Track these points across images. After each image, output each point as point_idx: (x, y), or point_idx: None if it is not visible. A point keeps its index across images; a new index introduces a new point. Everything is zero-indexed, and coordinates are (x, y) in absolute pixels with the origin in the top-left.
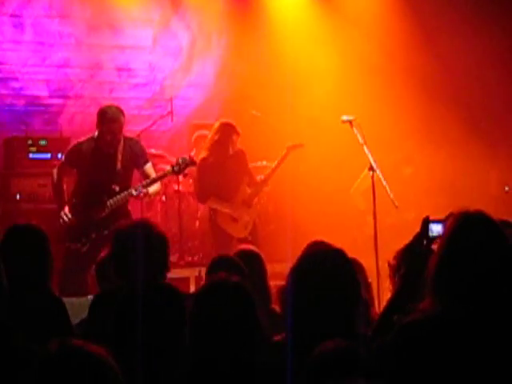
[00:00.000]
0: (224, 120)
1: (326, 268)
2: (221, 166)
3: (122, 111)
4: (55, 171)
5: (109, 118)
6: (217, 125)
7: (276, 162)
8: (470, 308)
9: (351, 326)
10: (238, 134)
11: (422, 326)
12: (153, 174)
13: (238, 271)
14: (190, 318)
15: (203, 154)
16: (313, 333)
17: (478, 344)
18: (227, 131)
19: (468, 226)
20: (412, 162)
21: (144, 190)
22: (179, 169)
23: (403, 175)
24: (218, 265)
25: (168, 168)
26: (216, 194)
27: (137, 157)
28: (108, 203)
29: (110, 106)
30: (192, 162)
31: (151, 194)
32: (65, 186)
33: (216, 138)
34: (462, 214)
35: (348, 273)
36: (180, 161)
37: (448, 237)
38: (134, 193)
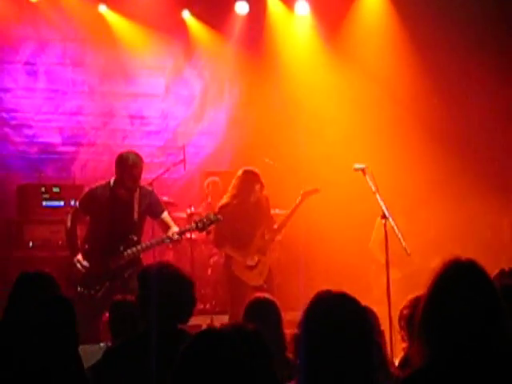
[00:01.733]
0: (248, 168)
1: (336, 313)
2: (240, 213)
3: (141, 157)
4: (69, 217)
5: (131, 164)
6: (240, 172)
7: (291, 209)
8: (455, 357)
9: (367, 372)
10: (261, 184)
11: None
12: (171, 223)
13: None
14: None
15: (224, 200)
16: (326, 379)
17: None
18: (250, 180)
19: (457, 274)
20: (419, 207)
21: (179, 237)
22: (203, 225)
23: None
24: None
25: (192, 224)
26: (232, 242)
27: (153, 206)
28: (125, 253)
29: (130, 152)
30: (217, 219)
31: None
32: (78, 233)
33: (238, 185)
34: (452, 262)
35: (359, 316)
36: (204, 218)
37: (436, 283)
38: (168, 241)
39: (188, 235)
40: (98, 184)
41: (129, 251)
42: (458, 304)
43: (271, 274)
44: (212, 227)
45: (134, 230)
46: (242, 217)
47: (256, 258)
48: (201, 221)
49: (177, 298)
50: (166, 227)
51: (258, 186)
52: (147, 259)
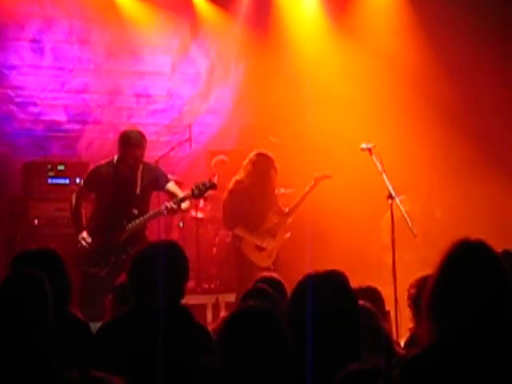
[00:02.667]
0: (262, 151)
1: (324, 292)
2: (252, 194)
3: (144, 136)
4: (74, 196)
5: (133, 143)
6: (253, 155)
7: (303, 194)
8: (462, 337)
9: (354, 350)
10: (275, 169)
11: (421, 362)
12: (178, 190)
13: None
14: (220, 343)
15: (239, 176)
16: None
17: (474, 374)
18: (265, 164)
19: (466, 255)
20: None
21: (174, 206)
22: (199, 192)
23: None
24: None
25: (188, 192)
26: (244, 223)
27: (157, 180)
28: (127, 227)
29: (132, 131)
30: (212, 185)
31: (183, 210)
32: (83, 211)
33: (251, 167)
34: (461, 242)
35: (348, 297)
36: (200, 184)
37: (445, 264)
38: (165, 211)
39: (194, 213)
40: (102, 162)
41: (130, 225)
42: (466, 284)
43: (279, 256)
44: (223, 207)
45: (135, 204)
46: (254, 198)
47: (267, 240)
48: (197, 187)
49: (175, 275)
50: (174, 196)
51: (272, 171)
52: (153, 237)
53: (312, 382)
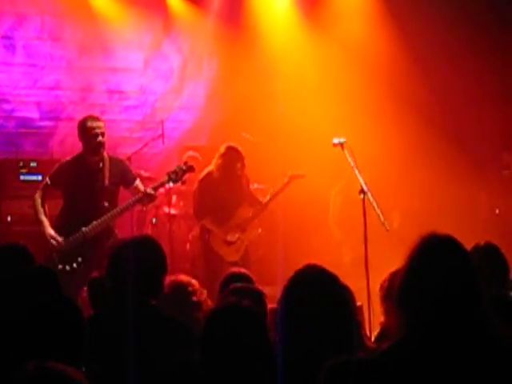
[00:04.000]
0: (231, 144)
1: (316, 289)
2: (223, 185)
3: (99, 117)
4: (38, 194)
5: (90, 124)
6: (223, 148)
7: (276, 190)
8: (431, 330)
9: (346, 346)
10: (243, 163)
11: (390, 356)
12: (143, 189)
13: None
14: (201, 341)
15: (206, 171)
16: (306, 354)
17: (442, 369)
18: (232, 157)
19: (434, 248)
20: (396, 185)
21: (152, 191)
22: (176, 176)
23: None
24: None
25: (165, 177)
26: (213, 215)
27: (124, 174)
28: (99, 220)
29: (87, 116)
30: (189, 168)
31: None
32: (47, 209)
33: (220, 161)
34: (429, 236)
35: (339, 292)
36: (177, 168)
37: (413, 257)
38: (142, 198)
39: (166, 210)
40: (67, 158)
41: (102, 218)
42: (433, 277)
43: (248, 251)
44: (193, 197)
45: (105, 196)
46: (224, 191)
47: (236, 235)
48: (173, 172)
49: (149, 273)
50: (137, 192)
51: (239, 165)
52: (125, 234)
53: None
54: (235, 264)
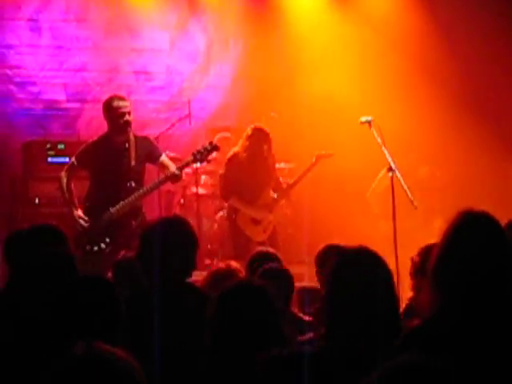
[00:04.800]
0: (258, 126)
1: (363, 269)
2: (250, 166)
3: (125, 97)
4: (64, 174)
5: (116, 103)
6: (249, 130)
7: (304, 170)
8: (466, 307)
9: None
10: (269, 145)
11: (423, 333)
12: (170, 164)
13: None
14: (211, 319)
15: (236, 149)
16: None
17: (476, 346)
18: (259, 139)
19: (471, 225)
20: (428, 161)
21: (177, 172)
22: (201, 156)
23: (419, 175)
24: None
25: (190, 157)
26: (240, 194)
27: (150, 152)
28: (126, 200)
29: (112, 96)
30: (214, 147)
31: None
32: (75, 192)
33: (247, 142)
34: (465, 213)
35: (385, 274)
36: (201, 148)
37: (450, 234)
38: (168, 177)
39: (194, 190)
40: (93, 139)
41: (129, 198)
42: (470, 253)
43: (275, 231)
44: (220, 178)
45: (132, 176)
46: (251, 172)
47: (263, 214)
48: (198, 152)
49: (182, 251)
50: (166, 169)
51: (265, 147)
52: (153, 214)
53: None
54: (263, 244)
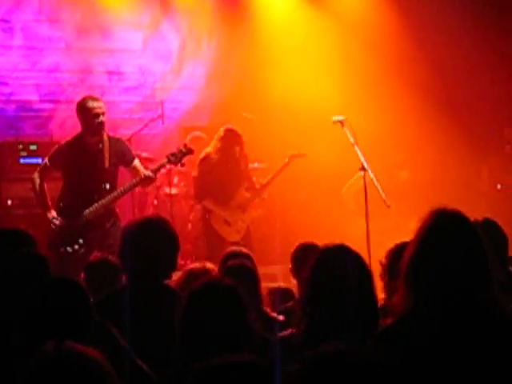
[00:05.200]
0: (229, 127)
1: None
2: (222, 167)
3: (99, 98)
4: (36, 175)
5: (91, 104)
6: (221, 131)
7: (277, 170)
8: (439, 304)
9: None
10: (241, 146)
11: (397, 331)
12: (142, 169)
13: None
14: (182, 317)
15: (205, 153)
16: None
17: (450, 343)
18: (230, 140)
19: (443, 224)
20: (406, 165)
21: (151, 174)
22: (175, 158)
23: (398, 179)
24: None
25: (164, 159)
26: (213, 195)
27: (123, 154)
28: (100, 202)
29: (86, 96)
30: (189, 151)
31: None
32: (47, 191)
33: (219, 143)
34: (438, 212)
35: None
36: (176, 151)
37: (423, 232)
38: (142, 180)
39: (167, 190)
40: (66, 140)
41: (103, 200)
42: (444, 252)
43: (249, 231)
44: (193, 179)
45: (106, 178)
46: (223, 173)
47: (236, 215)
48: (173, 154)
49: (164, 252)
50: (139, 174)
51: (237, 148)
52: (127, 215)
53: None
54: (237, 244)
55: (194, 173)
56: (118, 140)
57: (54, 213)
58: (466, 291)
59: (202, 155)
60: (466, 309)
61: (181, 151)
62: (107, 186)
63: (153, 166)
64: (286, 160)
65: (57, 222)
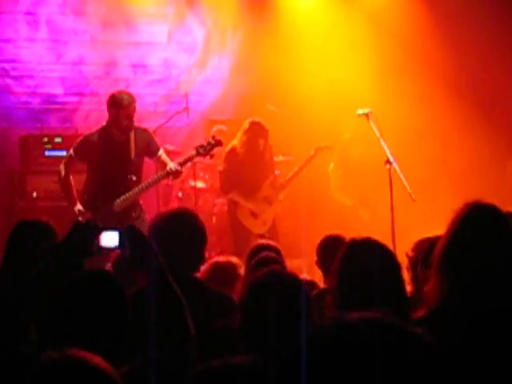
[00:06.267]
0: (255, 120)
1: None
2: (247, 161)
3: (133, 96)
4: (62, 167)
5: (125, 104)
6: (247, 123)
7: (303, 163)
8: (473, 295)
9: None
10: (266, 140)
11: (430, 323)
12: (168, 160)
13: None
14: (242, 306)
15: (231, 146)
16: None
17: (483, 335)
18: (255, 133)
19: (477, 216)
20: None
21: (178, 167)
22: (204, 150)
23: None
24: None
25: (193, 151)
26: (239, 188)
27: (149, 145)
28: (127, 194)
29: (122, 92)
30: (218, 142)
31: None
32: (73, 182)
33: (244, 136)
34: (473, 204)
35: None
36: (205, 143)
37: (458, 225)
38: (170, 172)
39: (192, 183)
40: (91, 131)
41: (130, 192)
42: (478, 243)
43: (275, 224)
44: (219, 172)
45: (132, 170)
46: (249, 166)
47: (262, 207)
48: (201, 146)
49: (192, 245)
50: (164, 165)
51: (261, 141)
52: (151, 208)
53: None
54: (262, 237)
55: (220, 167)
56: (144, 130)
57: (80, 206)
58: (502, 282)
59: (227, 148)
60: (501, 301)
61: (209, 143)
62: (133, 178)
63: (181, 159)
64: (312, 153)
65: (83, 215)
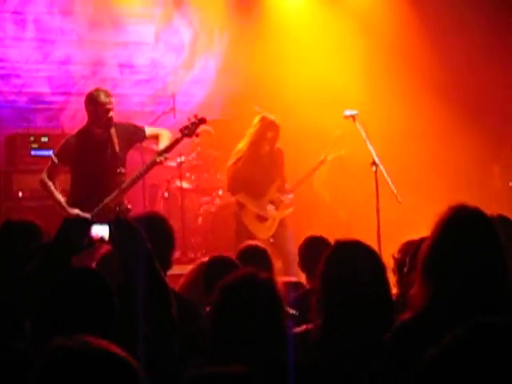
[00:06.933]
0: (266, 115)
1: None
2: (255, 163)
3: (110, 92)
4: (45, 175)
5: (102, 99)
6: (257, 119)
7: (312, 167)
8: (458, 298)
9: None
10: (276, 133)
11: (415, 325)
12: (157, 130)
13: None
14: (214, 310)
15: (239, 147)
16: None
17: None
18: (264, 126)
19: (462, 218)
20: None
21: (164, 156)
22: (190, 131)
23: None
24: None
25: (178, 134)
26: (246, 190)
27: (134, 134)
28: (121, 187)
29: (99, 89)
30: (201, 120)
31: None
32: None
33: (253, 133)
34: (457, 207)
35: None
36: (188, 123)
37: (443, 227)
38: (158, 159)
39: (178, 183)
40: (72, 134)
41: (123, 185)
42: (463, 245)
43: (284, 230)
44: (227, 172)
45: (119, 163)
46: (257, 167)
47: (269, 211)
48: (186, 127)
49: (161, 250)
50: (157, 137)
51: (270, 134)
52: (137, 208)
53: None
54: (266, 242)
55: (229, 163)
56: (123, 124)
57: (76, 210)
58: (486, 285)
59: (235, 150)
60: (485, 303)
61: (193, 123)
62: (122, 170)
63: (168, 144)
64: (322, 157)
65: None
